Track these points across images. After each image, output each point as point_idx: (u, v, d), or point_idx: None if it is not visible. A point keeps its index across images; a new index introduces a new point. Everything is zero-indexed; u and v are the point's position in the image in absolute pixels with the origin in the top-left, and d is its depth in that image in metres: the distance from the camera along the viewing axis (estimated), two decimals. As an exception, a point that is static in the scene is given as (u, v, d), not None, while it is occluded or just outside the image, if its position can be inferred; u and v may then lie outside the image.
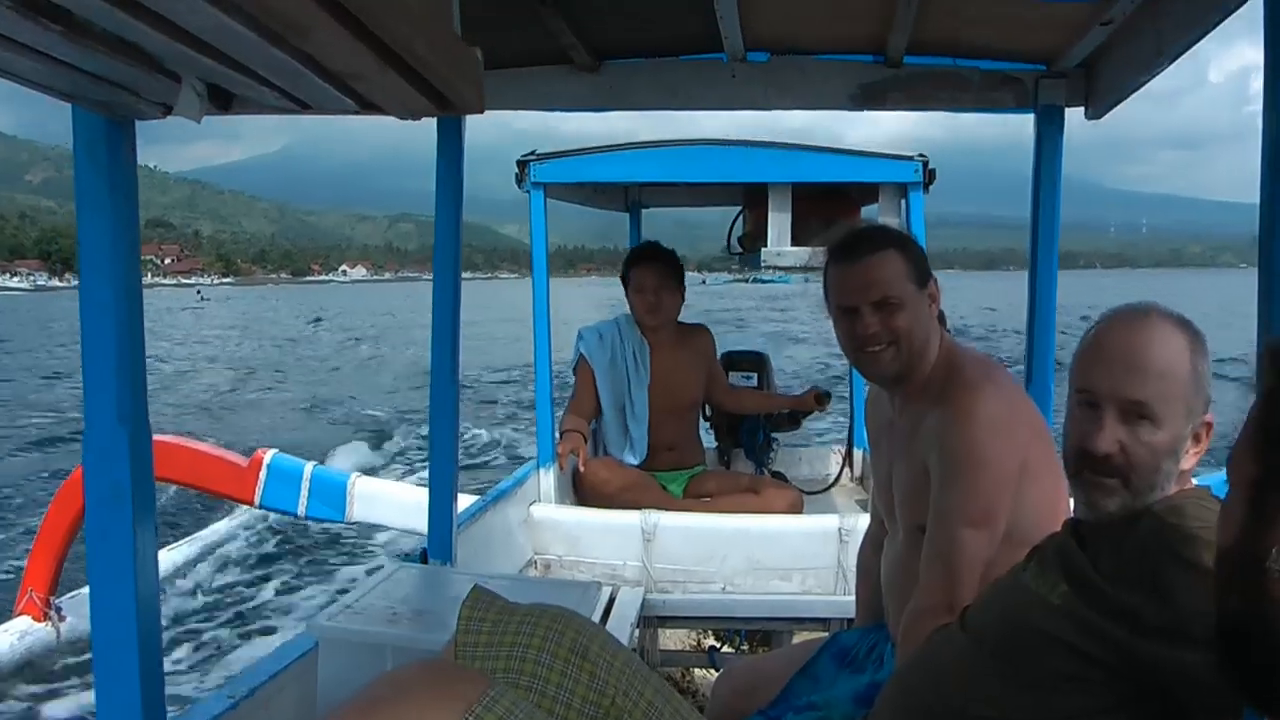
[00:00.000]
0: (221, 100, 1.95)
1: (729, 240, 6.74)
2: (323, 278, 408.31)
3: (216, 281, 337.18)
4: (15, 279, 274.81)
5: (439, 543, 4.06)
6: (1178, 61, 3.21)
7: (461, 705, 1.75)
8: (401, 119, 2.51)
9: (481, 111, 2.66)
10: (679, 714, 2.08)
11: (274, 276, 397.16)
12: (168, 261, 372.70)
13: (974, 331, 41.11)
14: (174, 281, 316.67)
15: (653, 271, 5.92)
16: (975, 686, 2.20)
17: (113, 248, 2.07)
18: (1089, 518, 2.19)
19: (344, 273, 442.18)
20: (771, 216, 5.67)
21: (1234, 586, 1.16)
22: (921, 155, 5.60)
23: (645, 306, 5.93)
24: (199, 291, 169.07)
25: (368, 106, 1.99)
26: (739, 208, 6.65)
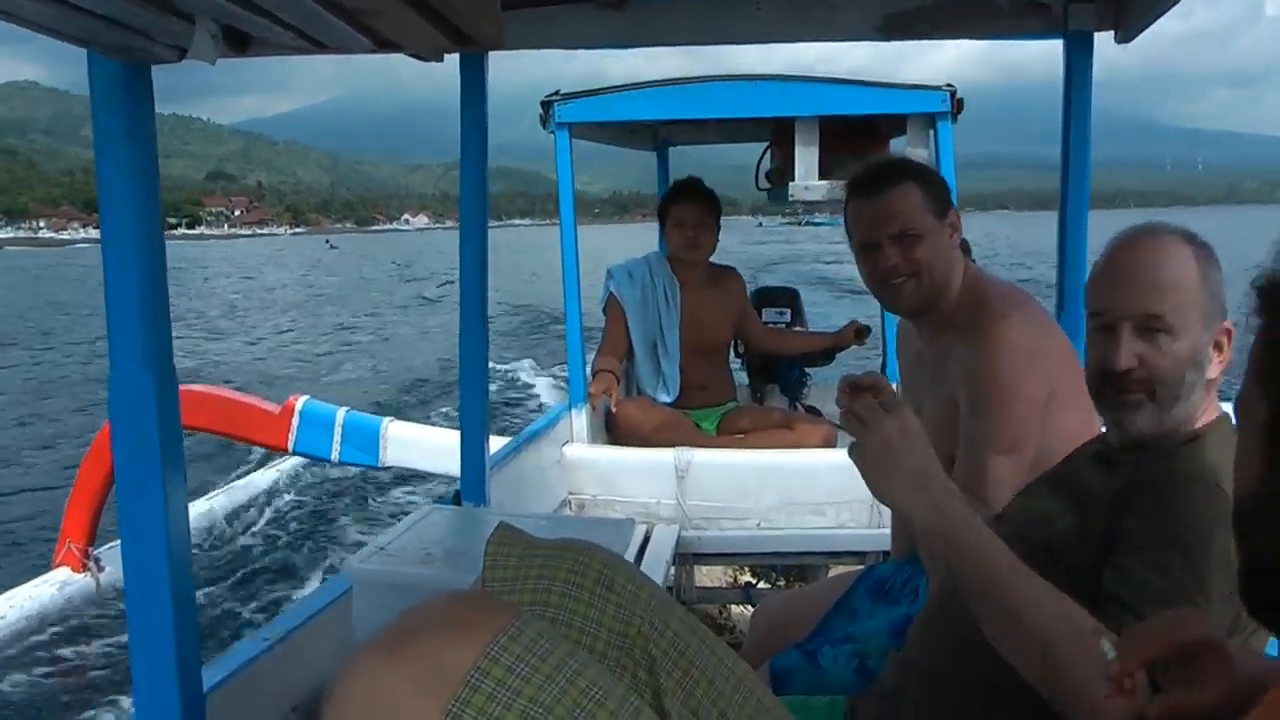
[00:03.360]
0: (237, 42, 1.94)
1: (757, 176, 6.70)
2: (388, 226, 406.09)
3: (290, 231, 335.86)
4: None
5: (472, 484, 4.06)
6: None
7: (487, 636, 1.75)
8: (422, 59, 2.50)
9: (502, 47, 2.65)
10: (705, 645, 2.08)
11: (339, 226, 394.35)
12: (238, 213, 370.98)
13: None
14: (250, 232, 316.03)
15: (694, 208, 5.91)
16: None
17: (133, 195, 2.05)
18: (1118, 440, 2.20)
19: (406, 221, 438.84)
20: (798, 151, 5.63)
21: (1260, 529, 1.15)
22: (949, 85, 5.54)
23: (684, 242, 5.92)
24: (328, 240, 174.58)
25: (385, 44, 1.97)
26: (767, 143, 6.61)
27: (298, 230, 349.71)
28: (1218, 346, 2.13)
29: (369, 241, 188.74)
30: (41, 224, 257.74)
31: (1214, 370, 2.13)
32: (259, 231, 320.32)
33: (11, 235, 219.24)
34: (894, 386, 5.96)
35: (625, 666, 2.00)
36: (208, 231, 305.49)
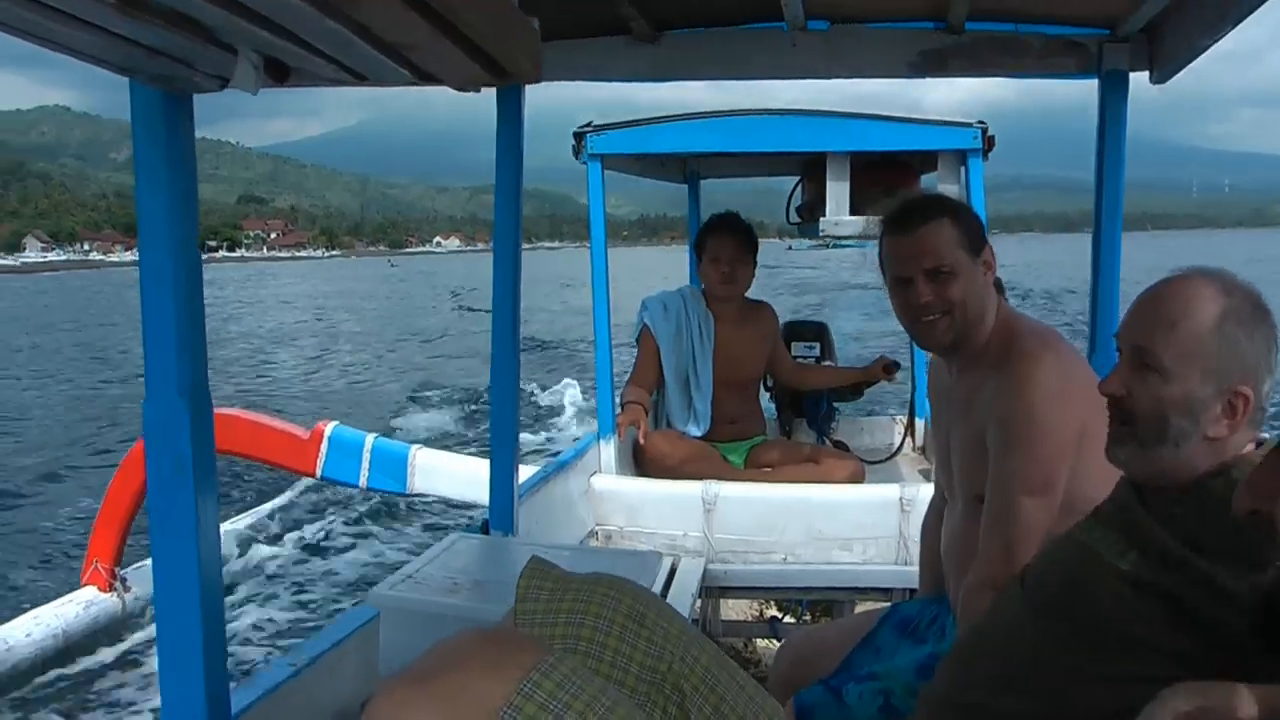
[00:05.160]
0: (278, 72, 1.95)
1: (788, 211, 6.70)
2: (420, 249, 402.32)
3: (325, 254, 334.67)
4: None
5: (500, 513, 4.07)
6: (1259, 17, 3.14)
7: (518, 673, 1.76)
8: (460, 90, 2.51)
9: (539, 81, 2.64)
10: (735, 680, 2.08)
11: (372, 249, 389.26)
12: (274, 236, 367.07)
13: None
14: (288, 255, 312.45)
15: (730, 242, 5.87)
16: (1034, 651, 2.19)
17: (171, 222, 2.07)
18: (1127, 474, 2.21)
19: (439, 244, 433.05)
20: (830, 186, 5.63)
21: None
22: (980, 122, 5.53)
23: (720, 277, 5.89)
24: (390, 261, 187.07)
25: (424, 77, 1.98)
26: (798, 177, 6.60)
27: (333, 253, 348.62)
28: (1229, 408, 2.10)
29: (412, 263, 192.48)
30: (87, 246, 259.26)
31: (1217, 429, 2.10)
32: (296, 254, 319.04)
33: (64, 258, 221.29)
34: (923, 422, 5.97)
35: (656, 702, 2.00)
36: (247, 254, 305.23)
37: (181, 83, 1.94)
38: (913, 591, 3.85)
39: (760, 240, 6.09)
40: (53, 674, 7.76)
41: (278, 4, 1.51)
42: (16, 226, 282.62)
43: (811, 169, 6.08)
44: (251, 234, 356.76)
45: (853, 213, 5.62)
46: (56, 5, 1.40)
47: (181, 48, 1.72)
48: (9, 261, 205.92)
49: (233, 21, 1.58)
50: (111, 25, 1.52)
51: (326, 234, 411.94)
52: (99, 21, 1.50)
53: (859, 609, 5.10)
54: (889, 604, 3.69)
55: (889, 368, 6.23)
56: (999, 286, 3.08)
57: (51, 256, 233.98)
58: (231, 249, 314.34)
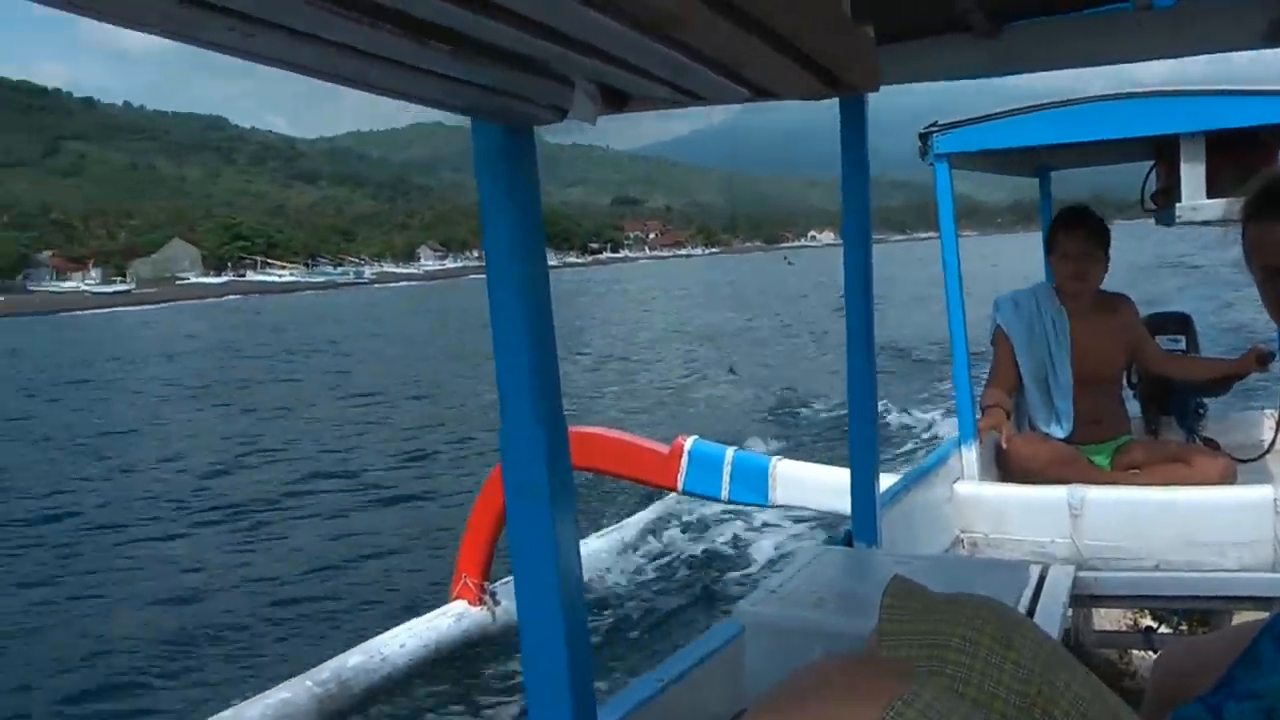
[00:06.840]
0: (615, 100, 1.99)
1: (1142, 197, 6.47)
2: (796, 244, 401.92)
3: (705, 252, 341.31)
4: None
5: (863, 524, 4.04)
6: None
7: (882, 702, 1.73)
8: (798, 99, 2.52)
9: (876, 90, 2.61)
10: (1105, 705, 2.00)
11: (748, 245, 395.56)
12: (652, 236, 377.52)
13: None
14: (669, 254, 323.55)
15: (1079, 238, 5.73)
16: None
17: (520, 254, 2.13)
18: None
19: (813, 238, 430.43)
20: (1184, 169, 5.38)
21: None
22: None
23: (1069, 273, 5.75)
24: (786, 258, 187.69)
25: (760, 93, 1.99)
26: (1150, 162, 6.36)
27: (712, 250, 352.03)
28: None
29: (803, 257, 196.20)
30: (477, 253, 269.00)
31: None
32: (677, 253, 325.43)
33: (459, 265, 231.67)
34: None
35: None
36: (630, 254, 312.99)
37: (521, 117, 1.99)
38: None
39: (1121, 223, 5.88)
40: (425, 684, 8.13)
41: (609, 35, 1.55)
42: (408, 238, 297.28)
43: (1164, 152, 5.83)
44: (632, 235, 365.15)
45: (1210, 195, 5.37)
46: (395, 57, 1.46)
47: (518, 84, 1.77)
48: (411, 270, 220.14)
49: (567, 55, 1.62)
50: (449, 70, 1.58)
51: (703, 232, 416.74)
52: (437, 68, 1.55)
53: (1236, 618, 4.88)
54: (1269, 614, 3.52)
55: (1263, 358, 5.88)
56: None
57: (447, 264, 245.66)
58: (615, 250, 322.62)
